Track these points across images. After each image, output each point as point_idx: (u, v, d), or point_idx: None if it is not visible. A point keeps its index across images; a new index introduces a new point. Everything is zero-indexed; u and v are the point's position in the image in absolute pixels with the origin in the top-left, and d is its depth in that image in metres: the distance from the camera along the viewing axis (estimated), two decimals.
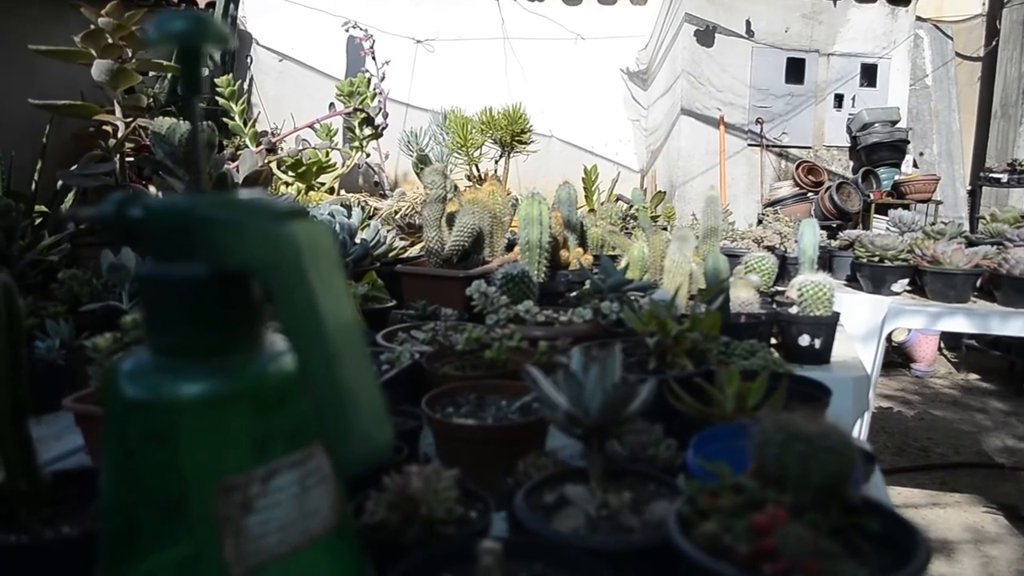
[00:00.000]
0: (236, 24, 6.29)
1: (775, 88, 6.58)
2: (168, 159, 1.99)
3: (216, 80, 4.49)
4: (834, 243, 3.51)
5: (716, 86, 6.51)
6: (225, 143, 4.42)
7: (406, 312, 1.79)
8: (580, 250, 2.54)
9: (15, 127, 2.95)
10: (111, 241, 1.72)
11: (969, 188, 7.45)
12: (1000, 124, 7.25)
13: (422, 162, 3.54)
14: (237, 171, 2.58)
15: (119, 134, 2.37)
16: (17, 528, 0.74)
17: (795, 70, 6.58)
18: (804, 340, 1.92)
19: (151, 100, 4.09)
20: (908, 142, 6.55)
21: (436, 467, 0.75)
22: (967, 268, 2.81)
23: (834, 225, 5.51)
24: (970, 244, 3.12)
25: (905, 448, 4.63)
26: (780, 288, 2.31)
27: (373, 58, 5.37)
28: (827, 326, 1.93)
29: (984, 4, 7.56)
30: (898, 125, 6.45)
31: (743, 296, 1.92)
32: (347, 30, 5.98)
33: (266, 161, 3.89)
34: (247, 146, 4.28)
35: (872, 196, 6.22)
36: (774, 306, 2.02)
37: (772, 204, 6.31)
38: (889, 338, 3.14)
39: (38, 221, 2.23)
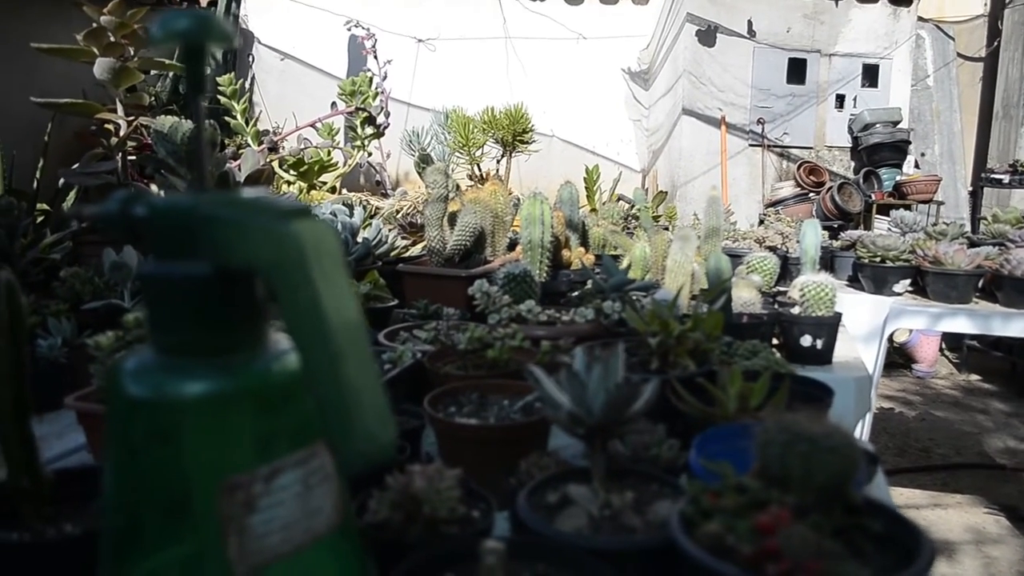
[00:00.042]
0: (238, 23, 6.29)
1: (776, 88, 6.58)
2: (170, 158, 1.98)
3: (218, 79, 4.49)
4: (836, 243, 3.51)
5: (718, 86, 6.51)
6: (227, 142, 4.42)
7: (408, 311, 1.79)
8: (582, 250, 2.54)
9: (17, 125, 2.94)
10: (113, 239, 1.72)
11: (970, 189, 7.45)
12: (1002, 125, 7.25)
13: (424, 161, 3.55)
14: (239, 170, 2.58)
15: (121, 132, 2.37)
16: (19, 526, 0.74)
17: (797, 70, 6.58)
18: (806, 340, 1.92)
19: (153, 99, 4.09)
20: (909, 143, 6.55)
21: (439, 466, 0.75)
22: (969, 269, 2.81)
23: (835, 226, 5.50)
24: (972, 245, 3.12)
25: (906, 449, 4.63)
26: (782, 288, 2.31)
27: (375, 57, 5.36)
28: (829, 326, 1.93)
29: (986, 5, 7.55)
30: (899, 126, 6.45)
31: (745, 296, 1.92)
32: (349, 29, 5.97)
33: (268, 160, 3.88)
34: (249, 145, 4.28)
35: (873, 197, 6.22)
36: (776, 306, 2.02)
37: (773, 204, 6.31)
38: (890, 339, 3.14)
39: (40, 219, 2.23)
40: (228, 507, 0.47)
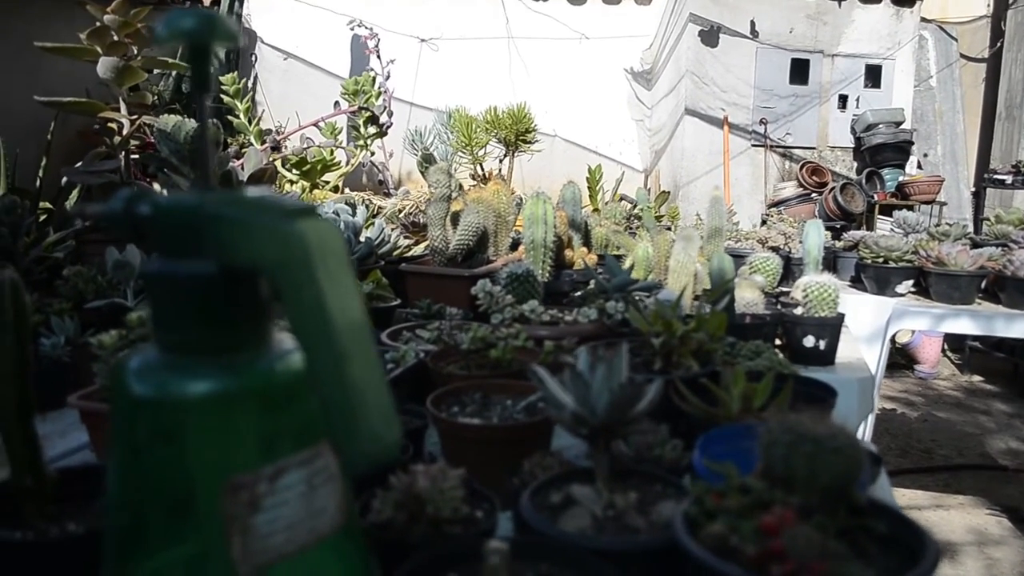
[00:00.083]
0: (241, 22, 6.29)
1: (779, 88, 6.57)
2: (173, 156, 1.98)
3: (221, 78, 4.49)
4: (838, 244, 3.50)
5: (720, 86, 6.51)
6: (229, 141, 4.42)
7: (411, 311, 1.79)
8: (584, 250, 2.54)
9: (20, 124, 2.95)
10: (116, 238, 1.72)
11: (973, 190, 7.44)
12: (1004, 126, 7.23)
13: (426, 161, 3.54)
14: (242, 169, 2.58)
15: (124, 131, 2.37)
16: (23, 525, 0.74)
17: (799, 71, 6.57)
18: (809, 341, 1.91)
19: (156, 97, 4.09)
20: (912, 143, 6.54)
21: (442, 466, 0.75)
22: (972, 270, 2.80)
23: (838, 226, 5.50)
24: (975, 245, 3.11)
25: (909, 450, 4.62)
26: (785, 289, 2.31)
27: (378, 57, 5.36)
28: (832, 327, 1.92)
29: (989, 5, 7.53)
30: (902, 126, 6.44)
31: (748, 297, 1.92)
32: (352, 28, 5.98)
33: (270, 159, 3.89)
34: (252, 144, 4.28)
35: (876, 197, 6.21)
36: (779, 307, 2.02)
37: (776, 205, 6.30)
38: (893, 339, 3.14)
39: (43, 218, 2.23)
40: (232, 507, 0.47)
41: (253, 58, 6.65)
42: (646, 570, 0.68)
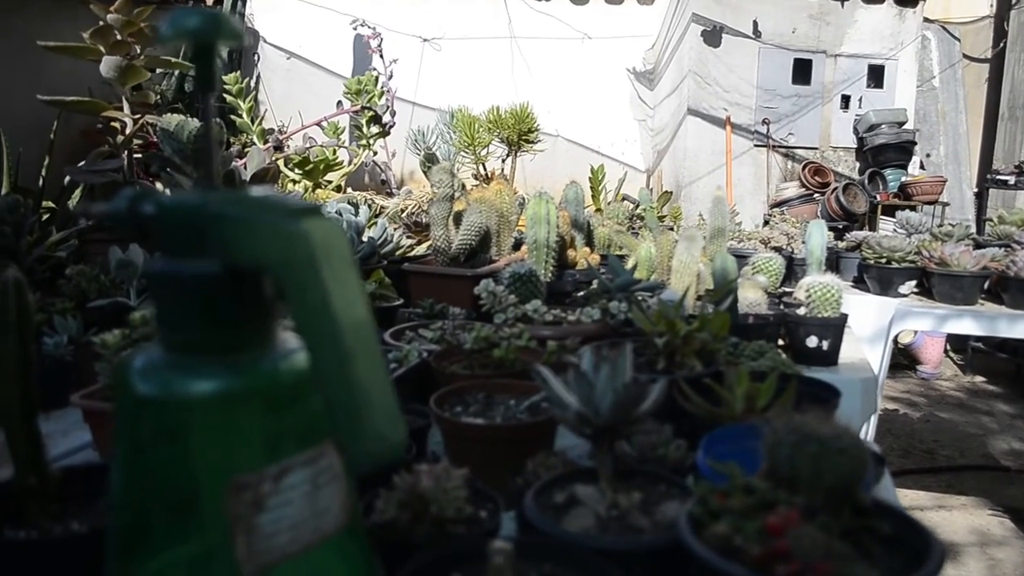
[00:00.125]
0: (244, 21, 6.29)
1: (782, 89, 6.57)
2: (176, 156, 1.99)
3: (224, 77, 4.50)
4: (841, 244, 3.50)
5: (723, 86, 6.50)
6: (232, 140, 4.43)
7: (413, 311, 1.79)
8: (587, 249, 2.54)
9: (23, 123, 2.95)
10: (119, 237, 1.72)
11: (976, 190, 7.42)
12: (1007, 126, 7.22)
13: (429, 160, 3.55)
14: (245, 168, 2.58)
15: (127, 130, 2.37)
16: (26, 524, 0.74)
17: (802, 71, 6.57)
18: (812, 341, 1.91)
19: (159, 97, 4.10)
20: (915, 143, 6.53)
21: (446, 466, 0.75)
22: (975, 270, 2.79)
23: (840, 226, 5.49)
24: (977, 246, 3.10)
25: (911, 450, 4.62)
26: (788, 289, 2.30)
27: (381, 56, 5.36)
28: (835, 327, 1.92)
29: (992, 6, 7.52)
30: (905, 126, 6.43)
31: (751, 297, 1.92)
32: (355, 28, 5.98)
33: (273, 158, 3.89)
34: (254, 143, 4.28)
35: (878, 197, 6.21)
36: (782, 307, 2.01)
37: (778, 205, 6.30)
38: (895, 340, 3.13)
39: (46, 217, 2.23)
40: (236, 506, 0.47)
41: (256, 57, 6.66)
42: (650, 570, 0.68)
